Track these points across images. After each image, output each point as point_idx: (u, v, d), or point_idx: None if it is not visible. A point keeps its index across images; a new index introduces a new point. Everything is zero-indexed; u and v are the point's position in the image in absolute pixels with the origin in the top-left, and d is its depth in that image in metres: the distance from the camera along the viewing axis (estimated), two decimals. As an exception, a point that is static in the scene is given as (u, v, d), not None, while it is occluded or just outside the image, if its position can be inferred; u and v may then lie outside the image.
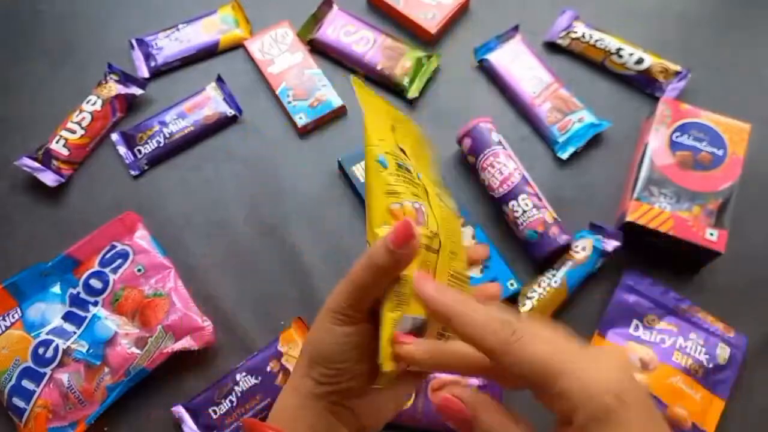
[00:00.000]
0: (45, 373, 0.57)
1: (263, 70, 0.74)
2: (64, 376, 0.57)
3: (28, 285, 0.61)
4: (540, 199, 0.63)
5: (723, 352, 0.59)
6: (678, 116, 0.65)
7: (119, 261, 0.62)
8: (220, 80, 0.73)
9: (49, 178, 0.68)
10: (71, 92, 0.73)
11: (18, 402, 0.57)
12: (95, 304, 0.60)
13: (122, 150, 0.71)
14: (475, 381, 0.58)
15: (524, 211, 0.62)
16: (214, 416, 0.58)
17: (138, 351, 0.58)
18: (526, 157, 0.67)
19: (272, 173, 0.70)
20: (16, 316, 0.60)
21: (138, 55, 0.76)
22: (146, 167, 0.70)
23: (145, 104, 0.74)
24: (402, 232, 0.29)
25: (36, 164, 0.68)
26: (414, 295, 0.30)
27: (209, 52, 0.76)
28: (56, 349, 0.58)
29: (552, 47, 0.75)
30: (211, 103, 0.72)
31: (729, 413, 0.57)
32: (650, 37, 0.75)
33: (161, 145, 0.70)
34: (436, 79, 0.74)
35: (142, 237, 0.64)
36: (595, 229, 0.62)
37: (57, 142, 0.69)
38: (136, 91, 0.73)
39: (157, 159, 0.71)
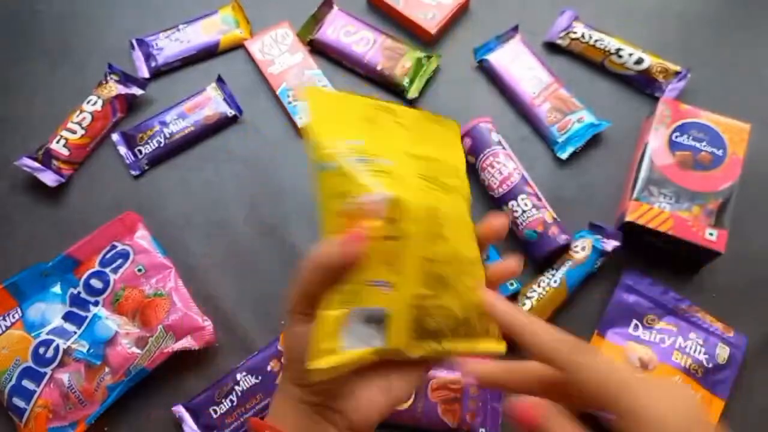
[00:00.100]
0: (45, 373, 0.57)
1: (263, 71, 0.74)
2: (64, 376, 0.57)
3: (29, 285, 0.61)
4: (539, 199, 0.63)
5: (723, 352, 0.59)
6: (678, 116, 0.65)
7: (119, 261, 0.62)
8: (220, 80, 0.73)
9: (49, 178, 0.68)
10: (71, 92, 0.73)
11: (18, 402, 0.57)
12: (96, 304, 0.60)
13: (123, 150, 0.71)
14: (474, 381, 0.58)
15: (524, 211, 0.62)
16: (215, 416, 0.58)
17: (138, 351, 0.58)
18: (526, 157, 0.67)
19: (272, 173, 0.70)
20: (17, 316, 0.60)
21: (138, 56, 0.76)
22: (146, 167, 0.71)
23: (145, 104, 0.74)
24: (349, 235, 0.30)
25: (36, 164, 0.68)
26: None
27: (209, 53, 0.76)
28: (56, 349, 0.58)
29: (552, 47, 0.75)
30: (211, 104, 0.72)
31: (729, 413, 0.57)
32: (650, 37, 0.75)
33: (161, 145, 0.70)
34: (436, 79, 0.74)
35: (142, 237, 0.64)
36: (595, 229, 0.62)
37: (57, 142, 0.69)
38: (136, 91, 0.73)
39: (158, 159, 0.71)
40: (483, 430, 0.56)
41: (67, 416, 0.57)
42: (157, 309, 0.60)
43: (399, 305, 0.31)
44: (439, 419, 0.57)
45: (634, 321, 0.60)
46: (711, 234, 0.59)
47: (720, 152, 0.63)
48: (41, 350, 0.58)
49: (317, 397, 0.33)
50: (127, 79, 0.73)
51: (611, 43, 0.72)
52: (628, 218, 0.60)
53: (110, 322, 0.60)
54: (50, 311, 0.60)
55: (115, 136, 0.72)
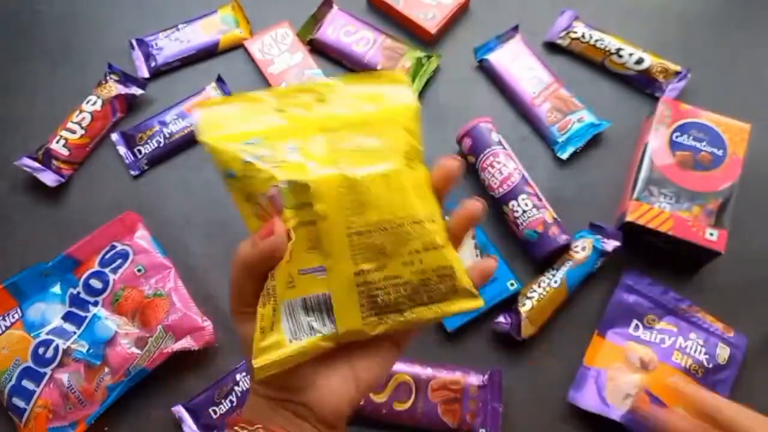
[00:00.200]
0: (45, 373, 0.57)
1: (263, 70, 0.74)
2: (64, 376, 0.57)
3: (28, 285, 0.61)
4: (540, 199, 0.63)
5: (723, 352, 0.59)
6: (678, 116, 0.65)
7: (119, 261, 0.62)
8: (220, 80, 0.73)
9: (49, 178, 0.68)
10: (71, 92, 0.73)
11: (18, 402, 0.57)
12: (95, 304, 0.60)
13: (122, 150, 0.71)
14: (474, 381, 0.58)
15: (524, 211, 0.62)
16: (214, 416, 0.58)
17: (138, 351, 0.58)
18: (526, 157, 0.67)
19: (272, 173, 0.70)
20: (16, 316, 0.60)
21: (138, 55, 0.76)
22: (146, 167, 0.70)
23: (145, 104, 0.74)
24: (264, 230, 0.30)
25: (36, 164, 0.68)
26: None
27: (209, 52, 0.76)
28: (56, 349, 0.58)
29: (552, 47, 0.75)
30: (211, 103, 0.72)
31: (729, 413, 0.57)
32: (650, 37, 0.75)
33: (161, 145, 0.70)
34: (436, 79, 0.74)
35: (142, 237, 0.64)
36: (595, 229, 0.62)
37: (57, 142, 0.69)
38: (136, 91, 0.73)
39: (157, 159, 0.71)
40: (483, 430, 0.56)
41: (67, 416, 0.57)
42: (157, 309, 0.60)
43: (339, 286, 0.31)
44: (439, 419, 0.57)
45: (635, 321, 0.60)
46: (711, 234, 0.59)
47: (720, 152, 0.63)
48: (41, 350, 0.58)
49: (280, 393, 0.33)
50: (126, 78, 0.73)
51: (611, 42, 0.72)
52: (629, 218, 0.60)
53: (110, 322, 0.59)
54: (50, 311, 0.60)
55: (114, 136, 0.72)
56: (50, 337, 0.58)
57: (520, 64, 0.72)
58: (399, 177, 0.32)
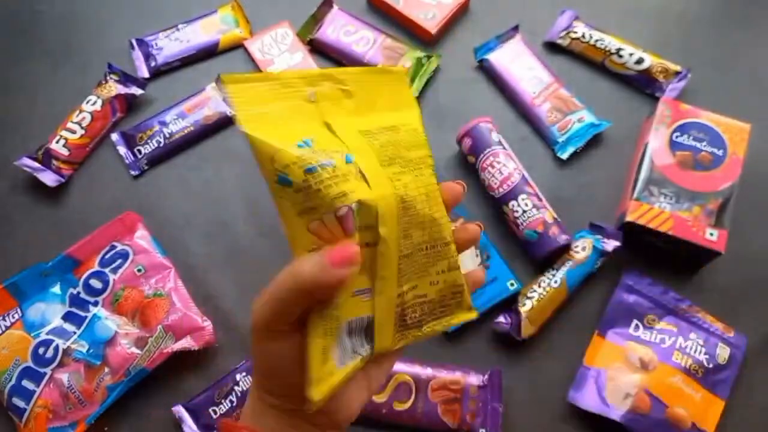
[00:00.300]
0: (45, 373, 0.57)
1: (263, 70, 0.74)
2: (64, 376, 0.57)
3: (28, 285, 0.61)
4: (540, 199, 0.63)
5: (723, 352, 0.59)
6: (678, 116, 0.65)
7: (119, 261, 0.62)
8: (220, 80, 0.73)
9: (49, 178, 0.68)
10: (71, 92, 0.73)
11: (18, 402, 0.57)
12: (95, 304, 0.60)
13: (122, 150, 0.71)
14: (474, 381, 0.58)
15: (524, 211, 0.62)
16: (214, 416, 0.58)
17: (138, 351, 0.58)
18: (526, 157, 0.67)
19: (272, 173, 0.70)
20: (16, 316, 0.60)
21: (138, 55, 0.76)
22: (146, 167, 0.70)
23: (145, 104, 0.74)
24: (339, 256, 0.27)
25: (36, 164, 0.68)
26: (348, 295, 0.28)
27: (209, 52, 0.76)
28: (56, 349, 0.58)
29: (552, 47, 0.75)
30: (211, 103, 0.72)
31: (729, 413, 0.57)
32: (650, 37, 0.75)
33: (161, 145, 0.70)
34: (436, 79, 0.74)
35: (142, 237, 0.64)
36: (595, 229, 0.62)
37: (57, 142, 0.69)
38: (136, 91, 0.73)
39: (157, 159, 0.71)
40: (483, 430, 0.56)
41: (67, 416, 0.57)
42: (157, 309, 0.60)
43: (382, 308, 0.31)
44: (439, 420, 0.57)
45: (635, 321, 0.60)
46: (711, 234, 0.59)
47: (720, 152, 0.63)
48: (41, 350, 0.58)
49: (294, 402, 0.31)
50: (126, 78, 0.73)
51: (611, 42, 0.72)
52: (629, 218, 0.60)
53: (110, 322, 0.59)
54: (50, 311, 0.60)
55: (114, 136, 0.72)
56: (50, 337, 0.58)
57: (520, 64, 0.72)
58: (435, 194, 0.32)
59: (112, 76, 0.72)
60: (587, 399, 0.57)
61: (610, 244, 0.61)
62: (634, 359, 0.58)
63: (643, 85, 0.72)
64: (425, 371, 0.58)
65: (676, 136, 0.64)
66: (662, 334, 0.59)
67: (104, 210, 0.67)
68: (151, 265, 0.62)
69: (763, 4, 0.77)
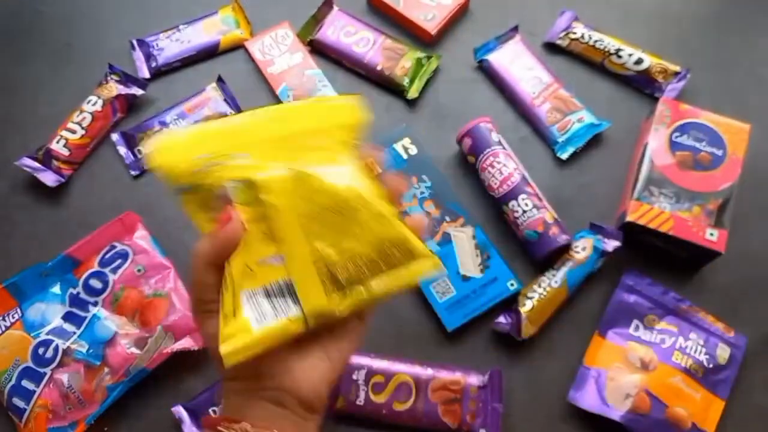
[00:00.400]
0: (45, 373, 0.57)
1: (263, 71, 0.74)
2: (64, 376, 0.57)
3: (28, 285, 0.61)
4: (540, 199, 0.63)
5: (723, 353, 0.59)
6: (677, 116, 0.65)
7: (119, 261, 0.62)
8: (220, 81, 0.73)
9: (49, 178, 0.68)
10: (72, 92, 0.73)
11: (18, 402, 0.57)
12: (95, 304, 0.60)
13: (122, 150, 0.71)
14: (474, 381, 0.58)
15: (524, 211, 0.62)
16: (214, 416, 0.58)
17: (138, 351, 0.58)
18: (526, 157, 0.67)
19: (272, 173, 0.70)
20: (16, 316, 0.60)
21: (139, 56, 0.76)
22: (146, 167, 0.71)
23: (145, 104, 0.74)
24: (222, 221, 0.32)
25: (36, 164, 0.68)
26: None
27: (210, 53, 0.76)
28: (56, 349, 0.58)
29: (551, 48, 0.75)
30: (211, 104, 0.72)
31: (729, 413, 0.57)
32: (650, 37, 0.75)
33: (161, 145, 0.70)
34: (436, 79, 0.74)
35: (142, 237, 0.64)
36: (595, 229, 0.62)
37: (57, 142, 0.69)
38: (136, 91, 0.73)
39: (158, 159, 0.71)
40: (483, 430, 0.56)
41: (66, 416, 0.57)
42: (157, 309, 0.60)
43: (298, 269, 0.32)
44: (439, 420, 0.57)
45: (635, 321, 0.60)
46: (711, 234, 0.59)
47: (720, 152, 0.63)
48: (41, 350, 0.58)
49: (255, 382, 0.33)
50: (127, 79, 0.73)
51: (611, 43, 0.72)
52: (629, 218, 0.60)
53: (110, 322, 0.59)
54: (50, 311, 0.60)
55: (115, 136, 0.72)
56: (50, 337, 0.58)
57: (520, 65, 0.72)
58: (346, 169, 0.34)
59: (113, 76, 0.72)
60: (587, 399, 0.57)
61: (611, 244, 0.61)
62: (635, 359, 0.58)
63: (643, 86, 0.72)
64: (425, 371, 0.58)
65: (676, 137, 0.64)
66: (662, 335, 0.59)
67: (104, 210, 0.67)
68: (151, 265, 0.62)
69: (762, 4, 0.77)
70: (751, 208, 0.65)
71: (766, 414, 0.58)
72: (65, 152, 0.69)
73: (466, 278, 0.62)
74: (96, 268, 0.62)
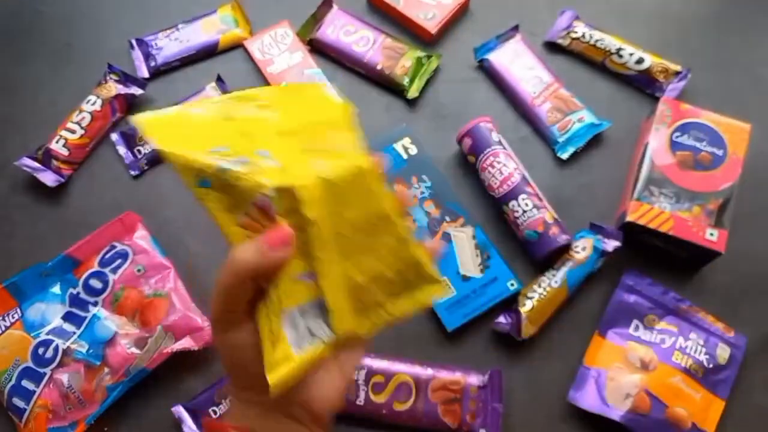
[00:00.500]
0: (45, 374, 0.57)
1: (263, 70, 0.74)
2: (64, 377, 0.57)
3: (28, 285, 0.61)
4: (540, 199, 0.63)
5: (723, 353, 0.59)
6: (678, 116, 0.65)
7: (119, 261, 0.62)
8: (220, 80, 0.73)
9: (49, 178, 0.68)
10: (71, 92, 0.73)
11: (18, 402, 0.57)
12: (95, 304, 0.60)
13: (122, 150, 0.71)
14: (474, 381, 0.58)
15: (524, 211, 0.62)
16: (214, 416, 0.58)
17: (138, 351, 0.58)
18: (526, 157, 0.67)
19: (272, 173, 0.70)
20: (16, 316, 0.60)
21: (138, 55, 0.76)
22: (146, 167, 0.70)
23: (145, 104, 0.74)
24: (274, 237, 0.29)
25: (36, 164, 0.68)
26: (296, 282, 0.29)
27: (209, 52, 0.76)
28: (56, 349, 0.58)
29: (552, 47, 0.75)
30: (211, 103, 0.72)
31: (729, 413, 0.57)
32: (650, 37, 0.75)
33: (161, 145, 0.70)
34: (436, 79, 0.74)
35: (141, 237, 0.64)
36: (595, 229, 0.62)
37: (57, 142, 0.69)
38: (136, 91, 0.73)
39: (157, 159, 0.71)
40: (483, 430, 0.56)
41: (66, 416, 0.57)
42: (157, 309, 0.60)
43: (331, 290, 0.31)
44: (439, 420, 0.57)
45: (635, 321, 0.60)
46: (711, 234, 0.59)
47: (720, 152, 0.63)
48: (41, 350, 0.58)
49: (267, 395, 0.32)
50: (126, 78, 0.73)
51: (612, 42, 0.72)
52: (629, 218, 0.60)
53: (110, 322, 0.59)
54: (50, 311, 0.60)
55: (114, 136, 0.71)
56: (50, 337, 0.58)
57: (520, 64, 0.72)
58: (366, 174, 0.32)
59: (112, 76, 0.72)
60: (587, 399, 0.57)
61: (611, 244, 0.61)
62: (635, 359, 0.58)
63: (644, 85, 0.72)
64: (425, 371, 0.58)
65: (677, 136, 0.64)
66: (662, 334, 0.59)
67: (104, 210, 0.67)
68: (151, 265, 0.62)
69: (762, 4, 0.77)
70: (751, 208, 0.65)
71: (766, 414, 0.58)
72: (65, 152, 0.69)
73: (466, 278, 0.62)
74: (96, 268, 0.62)
